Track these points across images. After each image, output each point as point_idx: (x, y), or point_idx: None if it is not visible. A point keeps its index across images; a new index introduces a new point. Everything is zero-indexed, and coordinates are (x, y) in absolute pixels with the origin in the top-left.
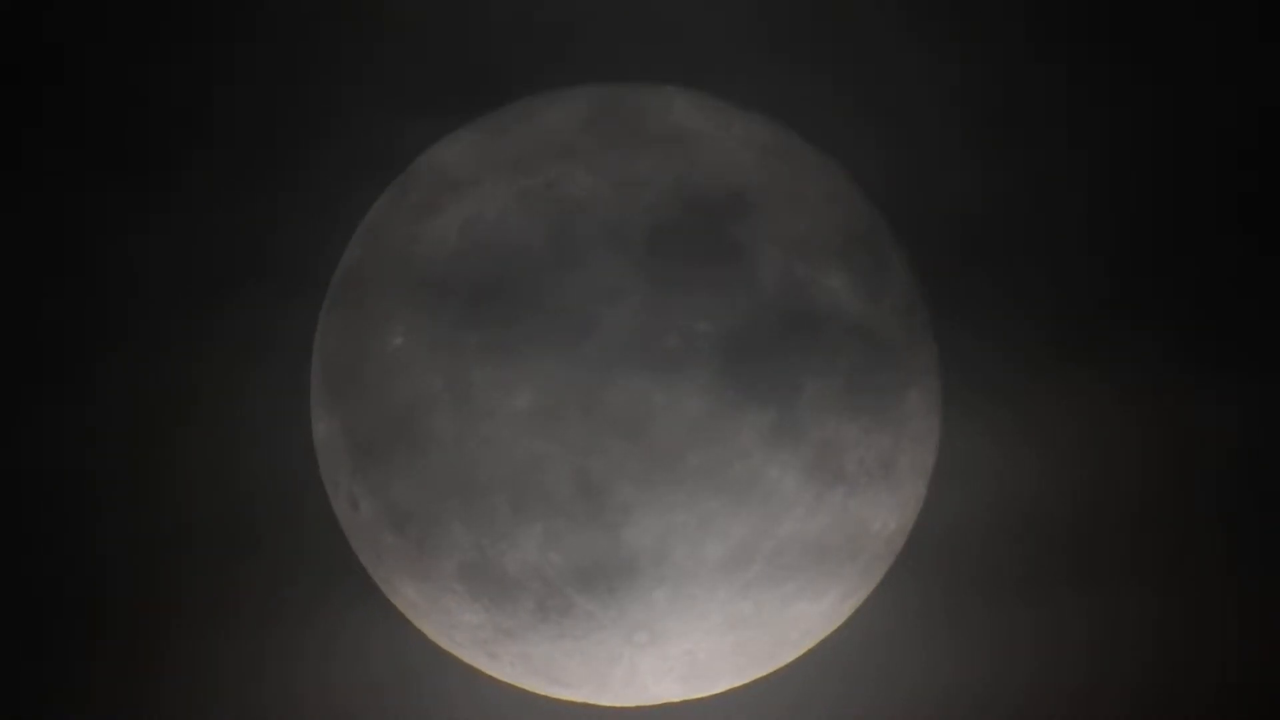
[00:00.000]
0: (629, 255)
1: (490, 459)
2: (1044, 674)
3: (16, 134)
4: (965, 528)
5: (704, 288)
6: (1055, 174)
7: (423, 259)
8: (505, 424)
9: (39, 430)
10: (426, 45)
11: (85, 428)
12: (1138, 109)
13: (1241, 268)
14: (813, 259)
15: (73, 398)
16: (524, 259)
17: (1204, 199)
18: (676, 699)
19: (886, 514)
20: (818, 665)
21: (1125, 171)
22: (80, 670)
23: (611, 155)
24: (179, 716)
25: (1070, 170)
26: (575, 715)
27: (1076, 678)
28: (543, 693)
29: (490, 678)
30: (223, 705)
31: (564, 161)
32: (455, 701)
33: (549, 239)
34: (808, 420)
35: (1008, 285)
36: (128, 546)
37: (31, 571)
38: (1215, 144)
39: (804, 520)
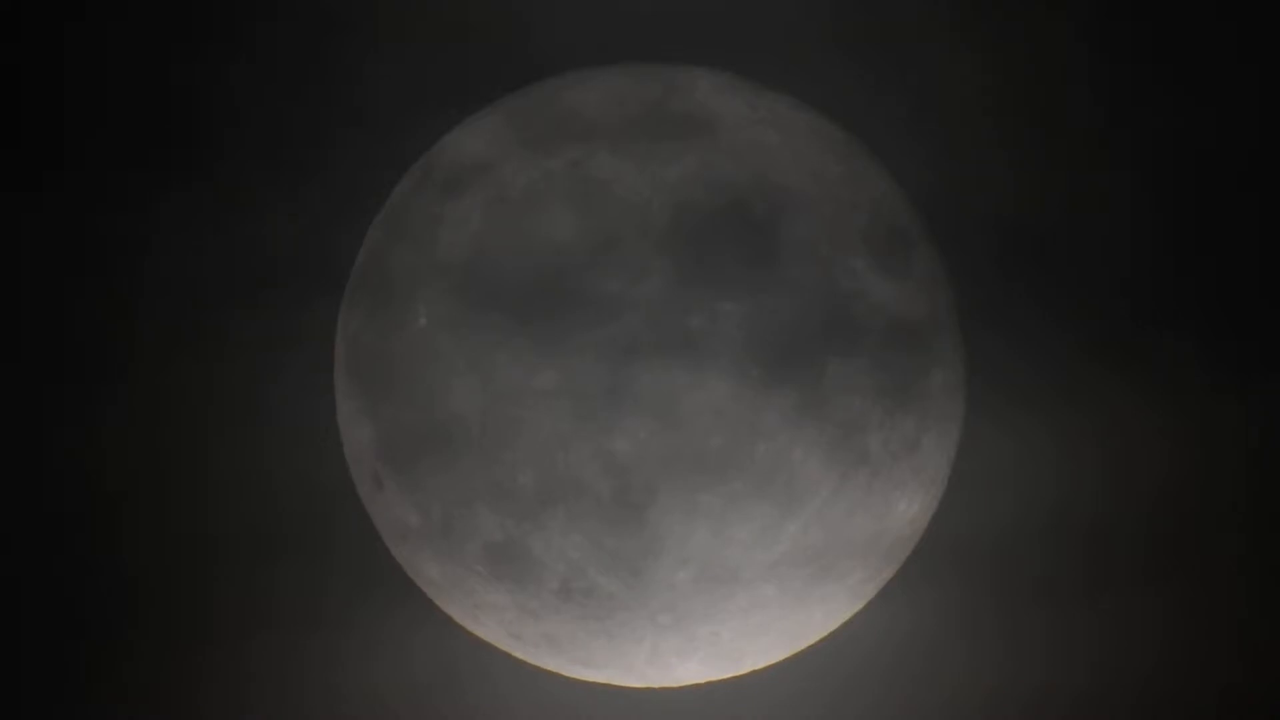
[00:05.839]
0: (653, 236)
1: (515, 440)
2: (1058, 676)
3: (41, 134)
4: (985, 530)
5: (728, 269)
6: (1089, 180)
7: (446, 240)
8: (529, 405)
9: (67, 434)
10: (448, 30)
11: (114, 430)
12: (1171, 116)
13: (1273, 276)
14: (837, 240)
15: (101, 399)
16: (547, 240)
17: (1237, 207)
18: (701, 680)
19: (911, 495)
20: (838, 656)
21: (1158, 178)
22: (118, 678)
23: (636, 136)
24: None
25: (1103, 177)
26: (600, 696)
27: (1090, 681)
28: (566, 674)
29: (518, 664)
30: (260, 711)
31: (588, 142)
32: (486, 689)
33: (573, 220)
34: (832, 401)
35: (1036, 289)
36: (160, 552)
37: (65, 579)
38: (1249, 151)
39: (828, 501)
